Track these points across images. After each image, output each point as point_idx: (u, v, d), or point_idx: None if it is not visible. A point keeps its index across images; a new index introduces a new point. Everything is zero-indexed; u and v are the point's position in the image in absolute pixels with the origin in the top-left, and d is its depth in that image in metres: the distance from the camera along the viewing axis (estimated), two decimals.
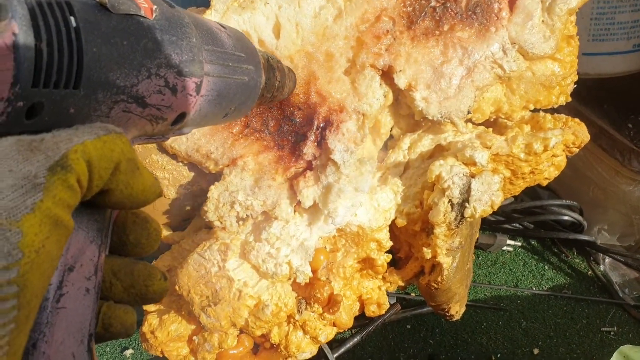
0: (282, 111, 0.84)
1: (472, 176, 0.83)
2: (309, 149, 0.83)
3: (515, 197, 1.27)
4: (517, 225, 1.24)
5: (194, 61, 0.41)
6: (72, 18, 0.30)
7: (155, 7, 0.37)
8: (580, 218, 1.17)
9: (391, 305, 1.14)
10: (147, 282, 0.37)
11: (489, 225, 1.26)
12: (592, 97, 1.25)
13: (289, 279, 0.84)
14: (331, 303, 0.85)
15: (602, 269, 1.18)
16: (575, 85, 0.96)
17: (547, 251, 1.25)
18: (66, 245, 0.30)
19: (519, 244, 1.25)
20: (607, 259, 1.18)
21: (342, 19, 0.84)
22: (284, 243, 0.83)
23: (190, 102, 0.42)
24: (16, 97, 0.27)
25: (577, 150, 0.93)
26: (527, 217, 1.22)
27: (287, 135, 0.84)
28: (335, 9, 0.84)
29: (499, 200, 0.84)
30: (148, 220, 0.38)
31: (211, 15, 0.82)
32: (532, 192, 1.29)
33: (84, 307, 0.32)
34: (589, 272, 1.20)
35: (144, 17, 0.36)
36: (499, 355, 1.08)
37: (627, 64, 1.17)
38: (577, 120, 0.93)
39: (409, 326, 1.15)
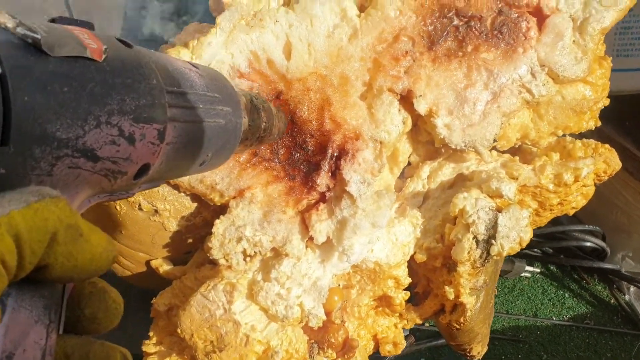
0: (293, 139, 0.78)
1: (499, 210, 0.77)
2: (323, 180, 0.76)
3: None
4: (537, 250, 1.18)
5: (154, 105, 0.35)
6: None
7: (105, 47, 0.32)
8: (603, 244, 1.11)
9: (405, 337, 1.08)
10: None
11: None
12: (614, 115, 1.19)
13: (301, 322, 0.77)
14: (346, 348, 0.79)
15: (626, 298, 1.12)
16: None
17: (567, 278, 1.18)
18: (3, 329, 0.26)
19: (538, 270, 1.19)
20: (632, 288, 1.12)
21: (358, 39, 0.77)
22: (295, 283, 0.76)
23: (153, 152, 0.36)
24: None
25: (607, 178, 0.87)
26: (547, 242, 1.15)
27: (299, 164, 0.78)
28: (350, 28, 0.77)
29: (527, 237, 0.77)
30: (106, 290, 0.33)
31: (216, 35, 0.75)
32: None
33: None
34: (612, 301, 1.14)
35: (90, 59, 0.30)
36: None
37: None
38: (607, 146, 0.87)
39: (423, 359, 1.08)
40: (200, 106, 0.42)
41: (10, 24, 0.27)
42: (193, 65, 0.45)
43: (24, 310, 0.27)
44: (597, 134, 1.13)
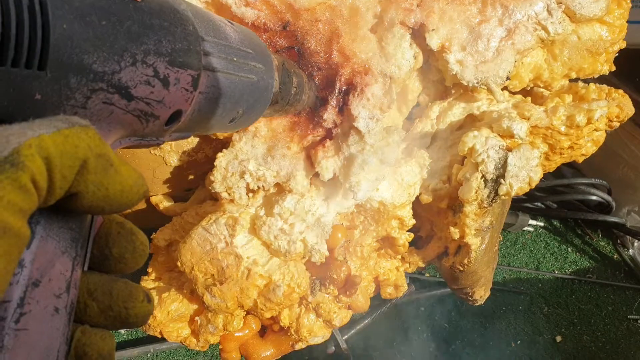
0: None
1: (509, 150, 0.75)
2: (330, 115, 0.74)
3: None
4: (540, 204, 1.16)
5: (189, 51, 0.35)
6: None
7: None
8: (608, 198, 1.10)
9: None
10: (127, 303, 0.31)
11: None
12: (624, 69, 1.16)
13: (303, 257, 0.76)
14: (348, 284, 0.78)
15: (630, 252, 1.11)
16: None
17: (570, 232, 1.17)
18: (31, 255, 0.25)
19: (541, 224, 1.17)
20: (636, 243, 1.11)
21: None
22: (298, 219, 0.75)
23: (186, 98, 0.36)
24: None
25: (618, 124, 0.85)
26: (550, 196, 1.14)
27: None
28: None
29: (537, 177, 0.76)
30: (134, 232, 0.33)
31: None
32: (555, 170, 1.22)
33: (51, 330, 0.27)
34: (615, 256, 1.13)
35: None
36: (518, 342, 1.02)
37: None
38: (620, 91, 0.85)
39: (422, 308, 1.08)
40: (235, 59, 0.42)
41: None
42: (228, 21, 0.44)
43: (51, 240, 0.27)
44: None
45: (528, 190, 0.76)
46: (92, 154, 0.26)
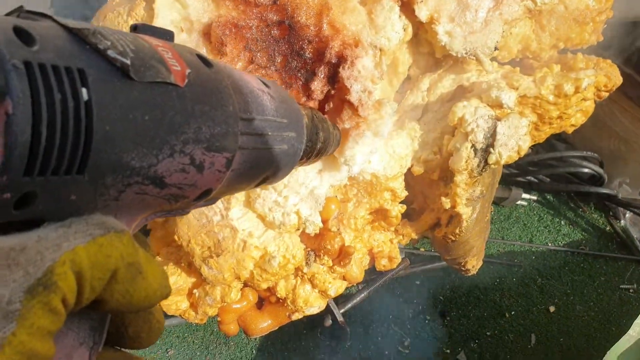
0: (290, 45, 0.76)
1: (498, 119, 0.76)
2: (317, 85, 0.75)
3: (530, 148, 1.20)
4: (532, 178, 1.18)
5: (227, 134, 0.34)
6: (83, 90, 0.24)
7: (188, 70, 0.31)
8: (600, 170, 1.11)
9: (400, 260, 1.09)
10: None
11: (502, 178, 1.20)
12: (616, 41, 1.17)
13: (298, 229, 0.77)
14: (342, 255, 0.79)
15: (622, 224, 1.13)
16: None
17: (563, 206, 1.19)
18: None
19: (534, 197, 1.19)
20: (628, 214, 1.13)
21: None
22: (292, 191, 0.76)
23: (218, 178, 0.35)
24: (2, 187, 0.23)
25: (607, 94, 0.86)
26: (542, 169, 1.15)
27: (296, 72, 0.76)
28: None
29: (526, 145, 0.77)
30: (151, 312, 0.33)
31: None
32: (547, 143, 1.23)
33: None
34: (608, 228, 1.15)
35: (174, 84, 0.30)
36: (512, 312, 1.04)
37: None
38: (609, 61, 0.86)
39: (418, 282, 1.09)
40: (269, 133, 0.41)
41: (101, 45, 0.26)
42: (264, 84, 0.44)
43: (71, 333, 0.27)
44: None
45: (517, 158, 0.78)
46: (123, 264, 0.26)
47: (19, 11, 0.27)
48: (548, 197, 1.20)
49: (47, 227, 0.25)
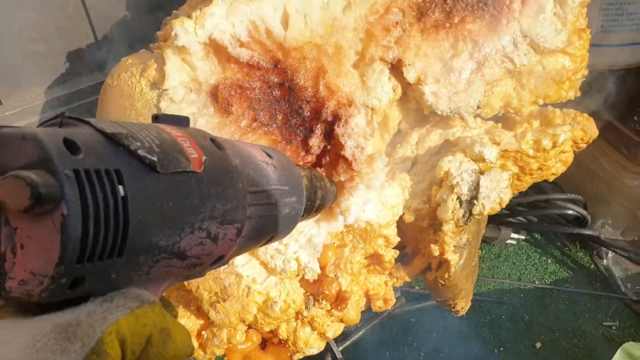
0: (290, 105, 0.83)
1: (481, 173, 0.83)
2: (315, 141, 0.82)
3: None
4: (522, 218, 1.23)
5: (237, 208, 0.40)
6: (120, 187, 0.30)
7: (204, 157, 0.37)
8: (584, 212, 1.17)
9: (396, 299, 1.14)
10: None
11: (493, 218, 1.26)
12: (599, 89, 1.24)
13: (297, 275, 0.83)
14: (339, 300, 0.85)
15: (604, 263, 1.18)
16: (587, 77, 0.95)
17: (550, 245, 1.24)
18: None
19: (523, 237, 1.25)
20: (610, 254, 1.18)
21: (351, 10, 0.82)
22: (292, 239, 0.82)
23: (230, 246, 0.41)
24: (59, 275, 0.28)
25: (585, 145, 0.92)
26: (531, 210, 1.21)
27: (296, 129, 0.83)
28: (345, 0, 0.82)
29: (507, 197, 0.83)
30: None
31: (218, 6, 0.80)
32: (536, 185, 1.28)
33: None
34: (592, 266, 1.20)
35: (193, 171, 0.35)
36: (501, 348, 1.09)
37: (637, 56, 1.16)
38: (585, 115, 0.92)
39: (413, 319, 1.15)
40: (273, 201, 0.47)
41: (133, 146, 0.31)
42: (268, 155, 0.49)
43: None
44: (582, 108, 1.18)
45: (499, 209, 0.84)
46: (156, 330, 0.31)
47: (62, 117, 0.33)
48: (536, 236, 1.26)
49: (94, 301, 0.30)
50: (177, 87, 0.81)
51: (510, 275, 1.20)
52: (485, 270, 1.21)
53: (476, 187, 0.82)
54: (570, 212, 1.17)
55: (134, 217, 0.30)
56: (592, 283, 1.18)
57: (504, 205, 0.83)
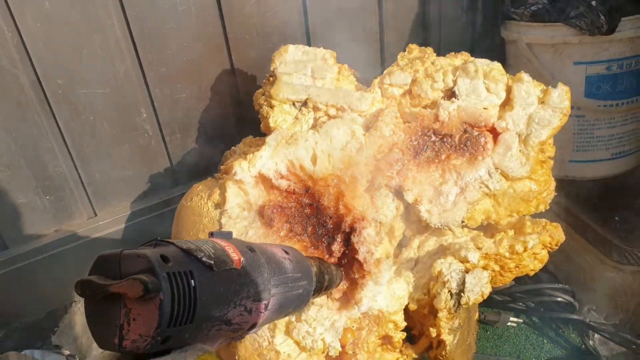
0: (317, 219, 1.10)
1: (467, 272, 1.07)
2: (336, 247, 1.07)
3: (520, 280, 1.48)
4: (521, 304, 1.44)
5: (265, 290, 0.58)
6: (192, 281, 0.48)
7: (242, 258, 0.57)
8: (572, 299, 1.37)
9: None
10: None
11: (497, 304, 1.47)
12: (584, 195, 1.46)
13: (323, 352, 1.07)
14: None
15: (591, 343, 1.37)
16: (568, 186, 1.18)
17: (546, 327, 1.44)
18: None
19: (521, 320, 1.45)
20: (596, 335, 1.37)
21: (363, 150, 1.10)
22: (319, 323, 1.07)
23: (260, 317, 0.59)
24: (157, 335, 0.45)
25: (557, 247, 1.15)
26: (528, 297, 1.43)
27: (321, 237, 1.10)
28: (358, 144, 1.10)
29: (487, 291, 1.06)
30: None
31: (265, 150, 1.09)
32: (534, 276, 1.49)
33: None
34: (582, 346, 1.39)
35: (234, 268, 0.55)
36: None
37: (608, 169, 1.40)
38: (555, 224, 1.15)
39: None
40: (289, 284, 0.66)
41: (199, 255, 0.50)
42: (285, 252, 0.71)
43: None
44: (564, 212, 1.42)
45: (482, 300, 1.07)
46: None
47: (156, 239, 0.52)
48: (534, 319, 1.46)
49: (174, 353, 0.48)
50: (234, 207, 1.09)
51: (511, 354, 1.40)
52: (489, 349, 1.41)
53: (463, 282, 1.06)
54: (559, 299, 1.38)
55: (200, 299, 0.47)
56: None
57: (485, 297, 1.06)
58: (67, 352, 1.36)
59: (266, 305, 0.59)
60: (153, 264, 0.46)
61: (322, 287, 0.82)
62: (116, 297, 0.45)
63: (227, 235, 0.62)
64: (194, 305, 0.47)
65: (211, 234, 0.61)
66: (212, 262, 0.51)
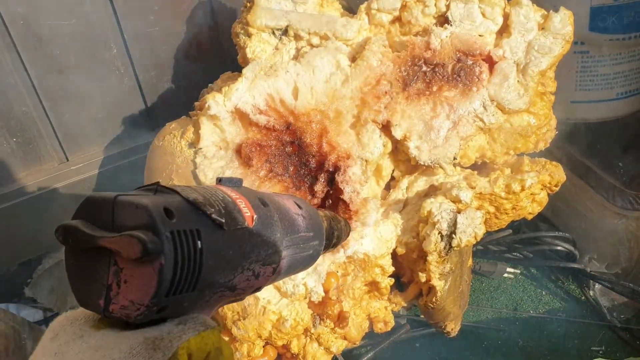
0: (299, 158, 1.02)
1: (459, 212, 0.99)
2: (319, 187, 1.00)
3: (517, 229, 1.41)
4: (518, 254, 1.38)
5: (275, 253, 0.51)
6: (199, 242, 0.40)
7: (255, 216, 0.48)
8: (572, 248, 1.30)
9: (402, 325, 1.29)
10: None
11: (492, 254, 1.40)
12: (587, 138, 1.38)
13: (305, 298, 1.00)
14: (340, 319, 1.02)
15: (592, 294, 1.31)
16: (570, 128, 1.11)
17: (544, 278, 1.38)
18: None
19: (519, 271, 1.38)
20: (597, 285, 1.31)
21: (349, 82, 1.02)
22: None
23: (267, 281, 0.52)
24: (152, 304, 0.38)
25: (557, 188, 1.07)
26: (526, 247, 1.36)
27: (304, 177, 1.02)
28: (343, 75, 1.02)
29: (481, 232, 0.99)
30: None
31: (242, 82, 1.01)
32: (532, 224, 1.43)
33: None
34: (582, 297, 1.32)
35: (246, 227, 0.46)
36: None
37: (612, 110, 1.32)
38: (555, 163, 1.08)
39: (417, 344, 1.29)
40: (301, 245, 0.58)
41: (208, 211, 0.42)
42: (299, 206, 0.61)
43: None
44: (565, 156, 1.34)
45: (475, 242, 0.99)
46: (213, 348, 0.40)
47: (157, 184, 0.43)
48: (532, 270, 1.39)
49: (170, 322, 0.41)
50: (209, 145, 1.01)
51: (507, 306, 1.33)
52: (484, 301, 1.35)
53: (454, 223, 0.98)
54: (559, 248, 1.31)
55: (206, 263, 0.40)
56: (582, 312, 1.30)
57: (478, 239, 0.99)
58: (43, 305, 1.31)
59: (274, 269, 0.52)
60: (155, 220, 0.38)
61: (330, 244, 0.73)
62: (105, 251, 0.38)
63: (237, 183, 0.53)
64: (199, 271, 0.40)
65: (219, 180, 0.52)
66: (223, 221, 0.43)
